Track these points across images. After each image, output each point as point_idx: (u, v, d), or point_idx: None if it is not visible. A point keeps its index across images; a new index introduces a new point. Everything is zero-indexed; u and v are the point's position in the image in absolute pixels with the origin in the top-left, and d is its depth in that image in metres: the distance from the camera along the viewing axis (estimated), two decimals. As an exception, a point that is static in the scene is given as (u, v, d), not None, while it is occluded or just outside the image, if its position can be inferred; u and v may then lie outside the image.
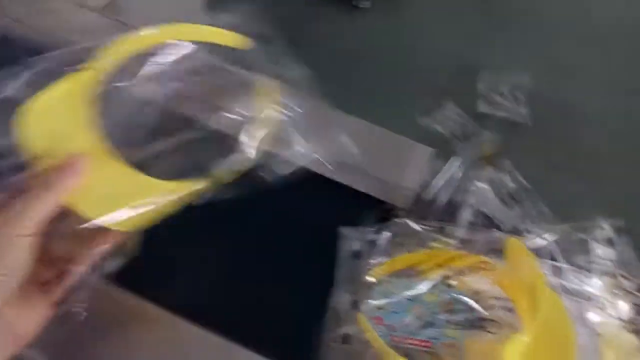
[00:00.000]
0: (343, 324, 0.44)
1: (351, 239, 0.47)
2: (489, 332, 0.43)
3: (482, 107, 1.31)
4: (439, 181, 0.60)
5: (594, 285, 0.48)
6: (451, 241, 0.51)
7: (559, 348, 0.40)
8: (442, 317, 0.45)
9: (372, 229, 0.48)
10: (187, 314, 0.46)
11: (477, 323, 0.44)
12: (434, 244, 0.49)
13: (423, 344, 0.44)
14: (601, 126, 1.32)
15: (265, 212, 0.51)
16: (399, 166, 0.53)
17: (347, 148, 0.48)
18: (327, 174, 0.49)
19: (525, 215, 0.98)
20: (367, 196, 0.53)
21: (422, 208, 0.55)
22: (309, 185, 0.45)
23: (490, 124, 1.25)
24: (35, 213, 0.34)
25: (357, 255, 0.46)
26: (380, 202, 0.53)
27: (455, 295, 0.45)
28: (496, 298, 0.45)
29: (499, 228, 0.64)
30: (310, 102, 0.45)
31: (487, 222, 0.64)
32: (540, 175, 1.16)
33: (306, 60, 0.47)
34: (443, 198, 0.57)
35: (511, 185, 1.07)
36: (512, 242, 0.46)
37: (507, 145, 1.30)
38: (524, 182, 1.11)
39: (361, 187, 0.52)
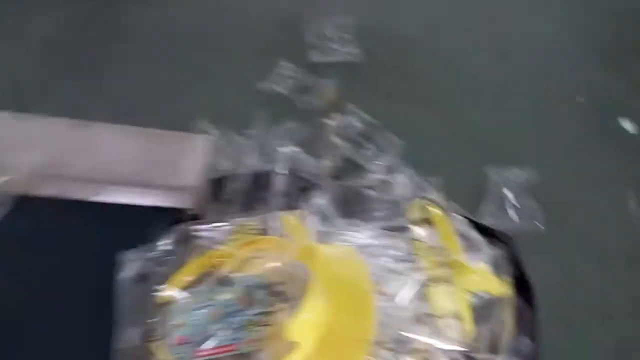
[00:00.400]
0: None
1: (133, 261, 0.43)
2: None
3: (315, 57, 1.29)
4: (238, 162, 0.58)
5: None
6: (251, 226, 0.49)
7: (355, 309, 0.39)
8: (243, 312, 0.43)
9: (159, 243, 0.45)
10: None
11: (277, 304, 0.43)
12: (231, 237, 0.47)
13: (227, 349, 0.42)
14: (433, 52, 1.35)
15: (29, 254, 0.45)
16: (175, 166, 0.50)
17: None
18: (92, 197, 0.45)
19: (378, 150, 0.99)
20: (148, 208, 0.49)
21: (221, 200, 0.52)
22: (76, 215, 0.41)
23: (327, 72, 1.24)
24: None
25: (143, 278, 0.43)
26: (166, 211, 0.49)
27: (250, 284, 0.43)
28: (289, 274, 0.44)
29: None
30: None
31: (301, 182, 0.62)
32: (385, 109, 1.18)
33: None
34: (245, 180, 0.55)
35: (359, 125, 1.07)
36: (286, 218, 0.45)
37: (348, 89, 1.30)
38: (370, 119, 1.12)
39: (138, 200, 0.48)
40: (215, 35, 1.25)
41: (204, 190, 0.50)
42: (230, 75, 1.21)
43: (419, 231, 0.56)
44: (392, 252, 0.51)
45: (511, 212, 0.78)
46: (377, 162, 0.86)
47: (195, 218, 0.52)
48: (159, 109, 0.82)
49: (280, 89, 1.25)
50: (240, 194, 0.54)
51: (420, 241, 0.55)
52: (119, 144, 0.50)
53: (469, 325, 0.50)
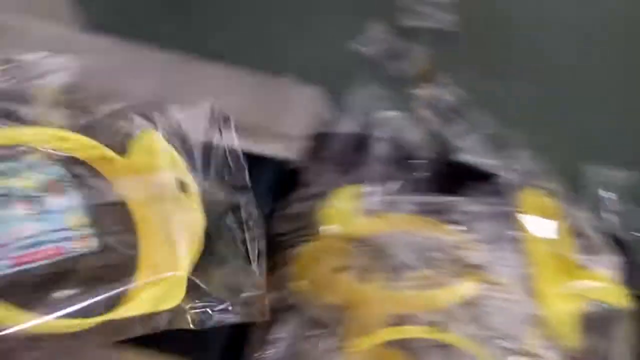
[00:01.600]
0: None
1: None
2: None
3: (408, 21, 1.23)
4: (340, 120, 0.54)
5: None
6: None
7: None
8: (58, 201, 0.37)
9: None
10: None
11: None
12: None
13: (53, 252, 0.35)
14: (536, 26, 1.26)
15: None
16: (282, 113, 0.46)
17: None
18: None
19: (469, 129, 0.93)
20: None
21: (318, 158, 0.49)
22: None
23: (420, 38, 1.18)
24: None
25: None
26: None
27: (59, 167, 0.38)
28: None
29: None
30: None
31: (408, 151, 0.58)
32: (479, 84, 1.11)
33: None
34: (344, 140, 0.51)
35: (450, 98, 1.01)
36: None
37: (441, 58, 1.24)
38: (464, 93, 1.06)
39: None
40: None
41: (308, 143, 0.47)
42: (316, 29, 1.17)
43: (531, 221, 0.51)
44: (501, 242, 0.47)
45: (608, 217, 0.71)
46: (470, 140, 0.80)
47: (295, 171, 0.49)
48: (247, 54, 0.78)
49: (369, 51, 1.20)
50: (338, 155, 0.50)
51: (532, 234, 0.50)
52: (226, 83, 0.47)
53: (579, 335, 0.45)
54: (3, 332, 0.32)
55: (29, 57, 0.43)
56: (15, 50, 0.43)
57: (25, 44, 0.46)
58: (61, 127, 0.40)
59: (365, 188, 0.44)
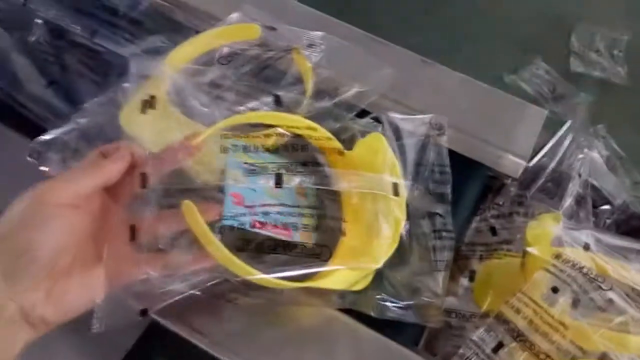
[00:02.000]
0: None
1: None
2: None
3: (575, 65, 1.20)
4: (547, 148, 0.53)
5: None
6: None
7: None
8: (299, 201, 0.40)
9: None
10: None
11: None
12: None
13: (282, 232, 0.39)
14: None
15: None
16: (509, 129, 0.46)
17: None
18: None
19: (619, 185, 0.89)
20: (471, 162, 0.47)
21: (526, 177, 0.49)
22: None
23: (583, 84, 1.14)
24: (78, 186, 0.36)
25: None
26: (484, 170, 0.47)
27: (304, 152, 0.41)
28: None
29: (608, 201, 0.57)
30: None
31: (594, 194, 0.57)
32: (637, 142, 1.06)
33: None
34: (548, 166, 0.51)
35: (604, 152, 0.97)
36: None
37: (600, 108, 1.19)
38: (618, 148, 1.01)
39: (468, 151, 0.46)
40: (478, 11, 1.20)
41: (528, 165, 0.47)
42: (477, 56, 1.16)
43: None
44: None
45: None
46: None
47: (502, 187, 0.50)
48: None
49: (527, 87, 1.18)
50: (542, 183, 0.50)
51: None
52: (459, 91, 0.48)
53: None
54: (234, 280, 0.37)
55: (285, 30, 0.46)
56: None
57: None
58: (309, 111, 0.43)
59: (564, 220, 0.43)
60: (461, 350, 0.40)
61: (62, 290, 0.34)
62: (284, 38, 0.47)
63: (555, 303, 0.39)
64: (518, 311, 0.40)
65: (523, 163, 0.46)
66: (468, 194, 0.49)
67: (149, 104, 0.43)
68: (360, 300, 0.42)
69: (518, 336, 0.39)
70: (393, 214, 0.42)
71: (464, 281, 0.48)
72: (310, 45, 0.47)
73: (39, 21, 0.53)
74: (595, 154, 0.55)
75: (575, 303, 0.39)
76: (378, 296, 0.42)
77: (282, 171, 0.40)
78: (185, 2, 0.57)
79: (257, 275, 0.36)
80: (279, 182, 0.40)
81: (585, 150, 0.54)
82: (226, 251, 0.35)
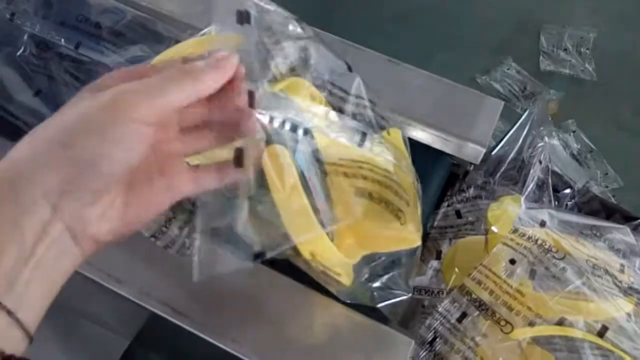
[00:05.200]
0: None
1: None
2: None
3: (545, 64, 1.25)
4: (507, 137, 0.57)
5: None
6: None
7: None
8: None
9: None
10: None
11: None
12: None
13: None
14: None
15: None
16: (469, 120, 0.50)
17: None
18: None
19: (590, 177, 0.93)
20: (435, 152, 0.50)
21: (490, 164, 0.52)
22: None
23: (553, 82, 1.19)
24: (166, 100, 0.30)
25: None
26: (447, 159, 0.50)
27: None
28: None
29: (570, 186, 0.61)
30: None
31: (556, 179, 0.60)
32: (606, 135, 1.10)
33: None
34: (510, 154, 0.54)
35: (575, 145, 1.02)
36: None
37: (571, 104, 1.24)
38: (588, 142, 1.06)
39: (432, 141, 0.49)
40: (449, 16, 1.25)
41: (487, 153, 0.51)
42: (450, 58, 1.21)
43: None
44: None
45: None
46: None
47: (466, 174, 0.53)
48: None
49: (499, 86, 1.22)
50: (504, 168, 0.53)
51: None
52: (422, 87, 0.52)
53: None
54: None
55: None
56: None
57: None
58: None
59: (525, 202, 0.47)
60: (428, 321, 0.43)
61: (122, 206, 0.31)
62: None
63: (514, 274, 0.43)
64: (480, 283, 0.43)
65: (482, 150, 0.50)
66: (434, 182, 0.53)
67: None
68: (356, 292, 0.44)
69: (480, 306, 0.43)
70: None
71: (434, 262, 0.52)
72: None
73: (25, 35, 0.56)
74: (555, 142, 0.59)
75: (532, 273, 0.43)
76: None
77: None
78: (166, 14, 0.60)
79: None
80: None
81: (545, 138, 0.57)
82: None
